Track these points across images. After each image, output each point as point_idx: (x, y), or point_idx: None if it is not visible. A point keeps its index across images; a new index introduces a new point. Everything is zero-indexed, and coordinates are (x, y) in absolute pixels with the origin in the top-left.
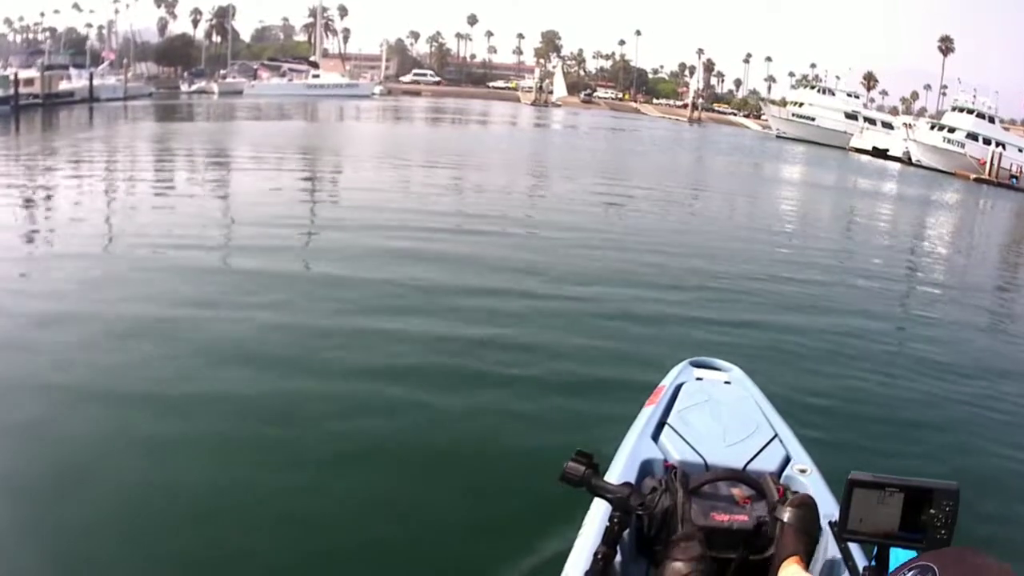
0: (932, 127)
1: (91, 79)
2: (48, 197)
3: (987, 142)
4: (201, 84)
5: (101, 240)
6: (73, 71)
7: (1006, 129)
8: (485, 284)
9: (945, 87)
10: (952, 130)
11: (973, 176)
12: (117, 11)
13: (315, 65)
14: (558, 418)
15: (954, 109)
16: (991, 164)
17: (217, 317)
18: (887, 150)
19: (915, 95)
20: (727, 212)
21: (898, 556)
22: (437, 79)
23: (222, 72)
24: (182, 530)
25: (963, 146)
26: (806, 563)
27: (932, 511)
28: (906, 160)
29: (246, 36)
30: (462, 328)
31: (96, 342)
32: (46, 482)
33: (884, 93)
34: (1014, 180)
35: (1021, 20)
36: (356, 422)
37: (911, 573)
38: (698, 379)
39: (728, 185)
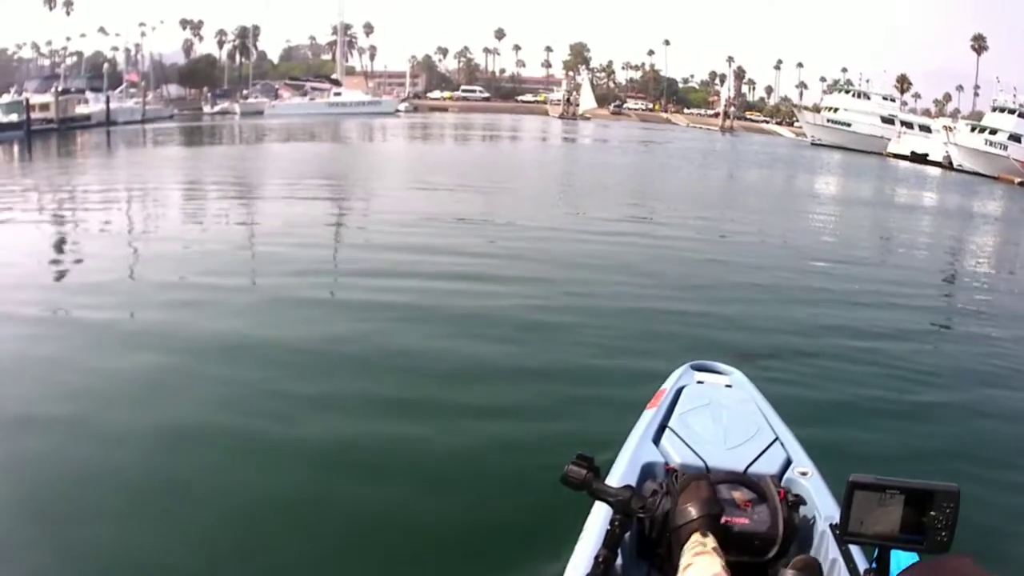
0: (973, 129)
1: (107, 102)
2: (57, 223)
3: None
4: (224, 105)
5: (115, 268)
6: (90, 95)
7: None
8: (486, 290)
9: (978, 87)
10: (994, 132)
11: (1018, 180)
12: (143, 34)
13: (337, 83)
14: (559, 421)
15: (994, 109)
16: None
17: (227, 334)
18: (926, 155)
19: (947, 96)
20: (745, 224)
21: (899, 558)
22: (487, 95)
23: (244, 92)
24: (184, 537)
25: (1006, 148)
26: None
27: (933, 513)
28: (947, 165)
29: (274, 56)
30: (462, 333)
31: (123, 380)
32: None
33: (917, 96)
34: None
35: None
36: (357, 428)
37: None
38: (699, 382)
39: (757, 202)
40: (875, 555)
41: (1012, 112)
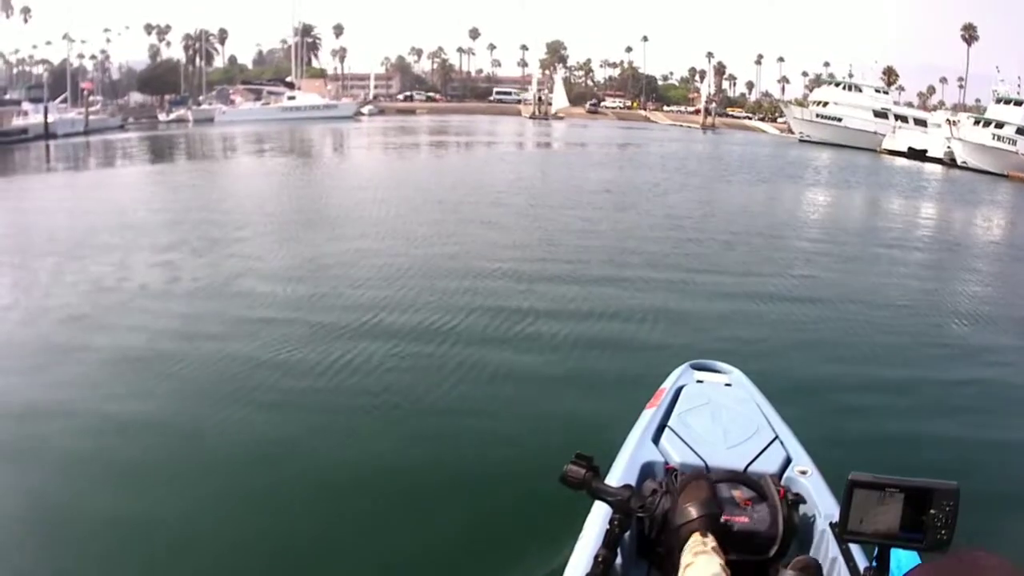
0: (976, 122)
1: (46, 114)
2: None
3: None
4: (179, 112)
5: None
6: (29, 106)
7: None
8: (484, 290)
9: (961, 80)
10: (1000, 125)
11: None
12: (108, 40)
13: (291, 86)
14: (558, 421)
15: (998, 101)
16: None
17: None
18: (925, 151)
19: (931, 89)
20: (735, 222)
21: (899, 556)
22: (519, 98)
23: (200, 99)
24: (191, 542)
25: (1015, 143)
26: None
27: (932, 511)
28: (948, 162)
29: (247, 60)
30: (461, 333)
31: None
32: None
33: (901, 89)
34: None
35: None
36: (357, 430)
37: None
38: (698, 381)
39: (761, 217)
40: (875, 554)
41: (1019, 104)
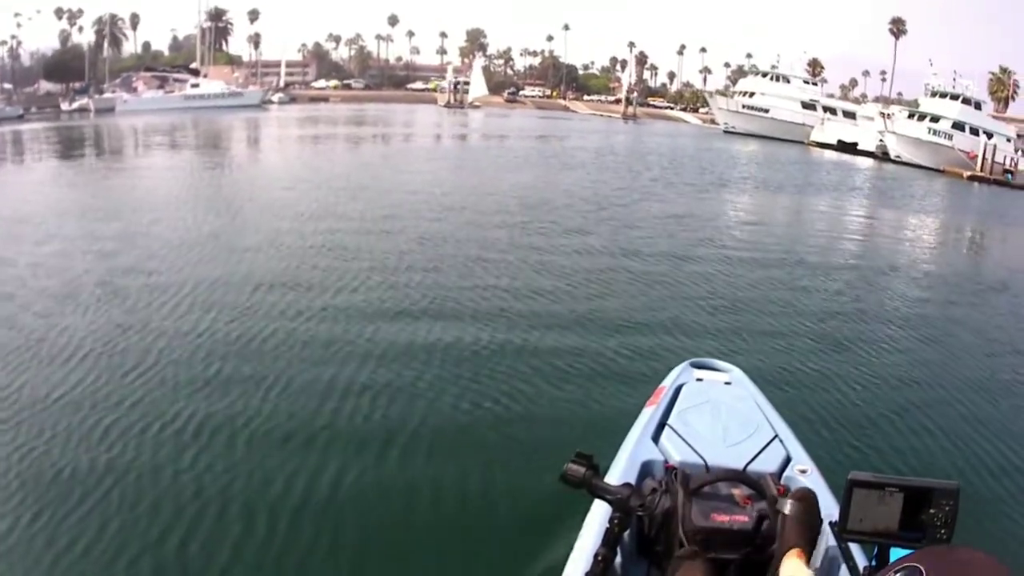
0: (911, 116)
1: None
2: None
3: (974, 132)
4: (82, 102)
5: None
6: None
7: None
8: (486, 289)
9: (883, 73)
10: (936, 119)
11: (967, 174)
12: (19, 24)
13: (196, 73)
14: (559, 419)
15: (933, 94)
16: (983, 158)
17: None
18: (856, 144)
19: (853, 82)
20: (730, 219)
21: (898, 556)
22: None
23: (102, 87)
24: (188, 535)
25: (951, 138)
26: (807, 555)
27: (932, 511)
28: (880, 155)
29: (163, 46)
30: (463, 332)
31: None
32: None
33: (824, 81)
34: (1009, 176)
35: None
36: (357, 429)
37: (899, 574)
38: (698, 380)
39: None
40: (875, 552)
41: (954, 98)
